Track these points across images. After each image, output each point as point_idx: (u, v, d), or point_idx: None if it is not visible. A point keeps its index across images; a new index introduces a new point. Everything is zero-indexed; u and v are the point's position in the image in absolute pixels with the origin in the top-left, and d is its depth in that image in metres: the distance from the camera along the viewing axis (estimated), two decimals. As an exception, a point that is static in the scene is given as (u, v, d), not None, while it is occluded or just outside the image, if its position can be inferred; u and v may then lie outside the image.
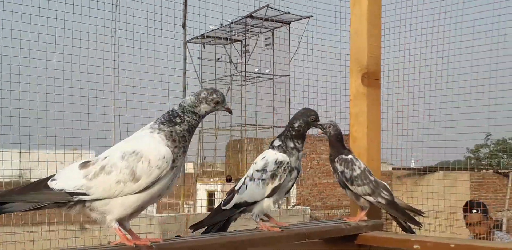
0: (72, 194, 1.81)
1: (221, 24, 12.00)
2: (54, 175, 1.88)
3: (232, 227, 2.49)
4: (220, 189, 11.93)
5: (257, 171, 2.33)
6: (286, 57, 12.31)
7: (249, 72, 12.93)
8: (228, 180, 12.07)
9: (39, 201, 1.82)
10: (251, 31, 13.35)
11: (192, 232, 2.42)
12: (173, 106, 1.96)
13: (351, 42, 3.16)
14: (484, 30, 5.68)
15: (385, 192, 2.72)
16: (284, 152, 2.33)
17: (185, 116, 1.91)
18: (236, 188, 2.38)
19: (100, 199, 1.82)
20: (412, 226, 2.78)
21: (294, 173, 2.38)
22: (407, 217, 2.72)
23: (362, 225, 2.71)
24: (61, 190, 1.81)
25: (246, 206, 2.33)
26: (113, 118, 6.66)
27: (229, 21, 12.11)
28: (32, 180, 2.05)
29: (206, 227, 2.40)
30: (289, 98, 11.20)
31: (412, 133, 6.37)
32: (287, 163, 2.32)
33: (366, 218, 2.77)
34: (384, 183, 2.78)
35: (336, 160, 2.75)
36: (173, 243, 1.95)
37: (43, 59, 5.67)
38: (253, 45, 13.12)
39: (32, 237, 4.56)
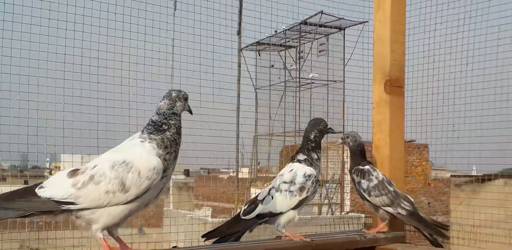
0: (60, 202, 1.77)
1: (275, 31, 12.13)
2: (41, 182, 1.85)
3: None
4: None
5: (285, 182, 2.39)
6: (340, 63, 12.26)
7: (303, 78, 12.95)
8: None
9: (27, 209, 1.78)
10: (306, 38, 13.37)
11: (205, 241, 2.40)
12: (151, 117, 1.97)
13: (374, 48, 3.12)
14: (510, 36, 5.49)
15: (405, 203, 2.64)
16: (311, 165, 2.43)
17: (170, 121, 1.93)
18: (259, 198, 2.42)
19: (88, 208, 1.79)
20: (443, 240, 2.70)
21: (318, 184, 2.48)
22: (430, 229, 2.61)
23: (380, 237, 2.64)
24: (49, 198, 1.77)
25: (269, 217, 2.36)
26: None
27: (283, 28, 12.22)
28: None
29: (220, 237, 2.38)
30: (343, 104, 11.15)
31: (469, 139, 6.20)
32: (315, 177, 2.42)
33: (385, 230, 2.71)
34: (405, 194, 2.71)
35: (352, 171, 2.75)
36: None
37: (109, 68, 5.92)
38: (307, 51, 13.14)
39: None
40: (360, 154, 2.75)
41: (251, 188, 11.82)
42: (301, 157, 2.46)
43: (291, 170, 2.43)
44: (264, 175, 12.40)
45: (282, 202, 2.35)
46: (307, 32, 13.17)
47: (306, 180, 2.39)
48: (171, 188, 12.74)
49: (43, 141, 5.38)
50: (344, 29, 12.56)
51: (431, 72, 5.97)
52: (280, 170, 2.51)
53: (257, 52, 13.19)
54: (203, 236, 2.39)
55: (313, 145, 2.48)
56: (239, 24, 7.99)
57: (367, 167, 2.71)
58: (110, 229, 1.89)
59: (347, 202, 13.49)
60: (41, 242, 5.93)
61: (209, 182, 15.52)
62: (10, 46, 5.32)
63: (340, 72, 11.86)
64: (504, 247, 5.96)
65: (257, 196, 2.45)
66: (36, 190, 1.80)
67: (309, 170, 2.42)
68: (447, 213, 14.55)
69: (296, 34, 13.10)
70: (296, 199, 2.37)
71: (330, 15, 12.14)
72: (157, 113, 1.94)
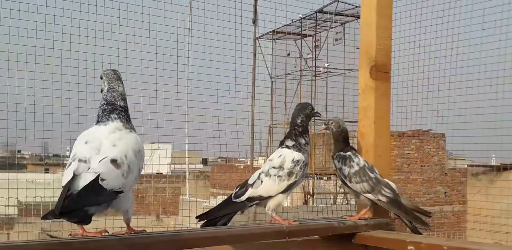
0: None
1: (291, 20, 12.10)
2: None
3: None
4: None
5: (274, 167, 2.46)
6: (357, 52, 12.19)
7: (319, 67, 12.92)
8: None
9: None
10: (322, 26, 13.32)
11: (198, 221, 2.49)
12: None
13: (361, 34, 3.04)
14: (493, 19, 5.41)
15: (386, 190, 2.63)
16: (299, 151, 2.49)
17: None
18: (250, 182, 2.49)
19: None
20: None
21: (307, 169, 2.54)
22: (411, 216, 2.60)
23: (360, 224, 2.61)
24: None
25: (259, 200, 2.45)
26: (186, 117, 7.00)
27: (299, 17, 12.18)
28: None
29: (209, 219, 2.46)
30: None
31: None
32: (303, 162, 2.48)
33: (367, 217, 2.70)
34: (388, 181, 2.68)
35: (334, 156, 2.74)
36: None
37: (128, 66, 6.03)
38: (323, 40, 13.10)
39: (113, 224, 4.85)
40: (343, 140, 2.74)
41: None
42: (289, 142, 2.51)
43: (280, 155, 2.49)
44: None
45: (271, 186, 2.44)
46: (323, 21, 13.12)
47: (295, 165, 2.45)
48: (187, 176, 12.86)
49: (66, 127, 5.48)
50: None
51: (417, 57, 5.90)
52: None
53: (273, 41, 13.17)
54: (196, 217, 2.49)
55: (300, 129, 2.52)
56: (255, 13, 7.98)
57: (348, 153, 2.69)
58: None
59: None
60: (56, 227, 6.13)
61: (225, 171, 15.65)
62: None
63: (357, 60, 11.81)
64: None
65: (247, 180, 2.53)
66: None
67: (298, 155, 2.47)
68: (464, 202, 14.51)
69: (312, 23, 13.05)
70: (285, 184, 2.44)
71: (346, 3, 12.08)
72: None
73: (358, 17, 12.51)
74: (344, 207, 9.83)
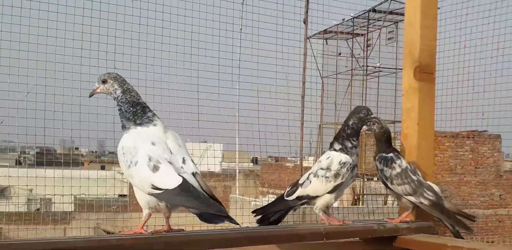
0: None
1: (343, 19, 12.01)
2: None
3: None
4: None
5: (322, 169, 2.56)
6: (409, 51, 12.00)
7: (370, 66, 12.79)
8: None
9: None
10: (374, 25, 13.16)
11: (255, 216, 2.65)
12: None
13: (404, 33, 3.01)
14: None
15: (428, 192, 2.59)
16: (346, 153, 2.56)
17: None
18: (300, 182, 2.62)
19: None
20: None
21: (355, 170, 2.60)
22: (453, 220, 2.55)
23: (401, 227, 2.59)
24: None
25: (308, 199, 2.59)
26: (237, 116, 7.13)
27: (351, 16, 12.08)
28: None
29: (265, 214, 2.63)
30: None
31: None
32: (350, 164, 2.55)
33: (408, 220, 2.67)
34: (430, 183, 2.64)
35: (376, 158, 2.73)
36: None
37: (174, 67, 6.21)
38: (375, 39, 12.95)
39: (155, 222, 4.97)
40: (385, 141, 2.71)
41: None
42: (336, 146, 2.59)
43: (328, 157, 2.58)
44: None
45: (318, 186, 2.55)
46: (375, 20, 12.96)
47: (341, 167, 2.53)
48: (237, 175, 13.02)
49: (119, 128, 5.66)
50: (414, 16, 12.26)
51: (462, 58, 5.72)
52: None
53: (324, 40, 13.12)
54: (253, 212, 2.67)
55: (348, 131, 2.57)
56: (306, 12, 7.99)
57: (390, 154, 2.67)
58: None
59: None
60: (110, 223, 6.35)
61: (274, 170, 15.73)
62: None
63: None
64: None
65: (298, 179, 2.66)
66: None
67: (345, 157, 2.54)
68: (520, 206, 13.98)
69: (364, 22, 12.92)
70: (331, 185, 2.53)
71: (399, 2, 11.88)
72: None
73: (411, 15, 12.31)
74: (395, 209, 9.69)
